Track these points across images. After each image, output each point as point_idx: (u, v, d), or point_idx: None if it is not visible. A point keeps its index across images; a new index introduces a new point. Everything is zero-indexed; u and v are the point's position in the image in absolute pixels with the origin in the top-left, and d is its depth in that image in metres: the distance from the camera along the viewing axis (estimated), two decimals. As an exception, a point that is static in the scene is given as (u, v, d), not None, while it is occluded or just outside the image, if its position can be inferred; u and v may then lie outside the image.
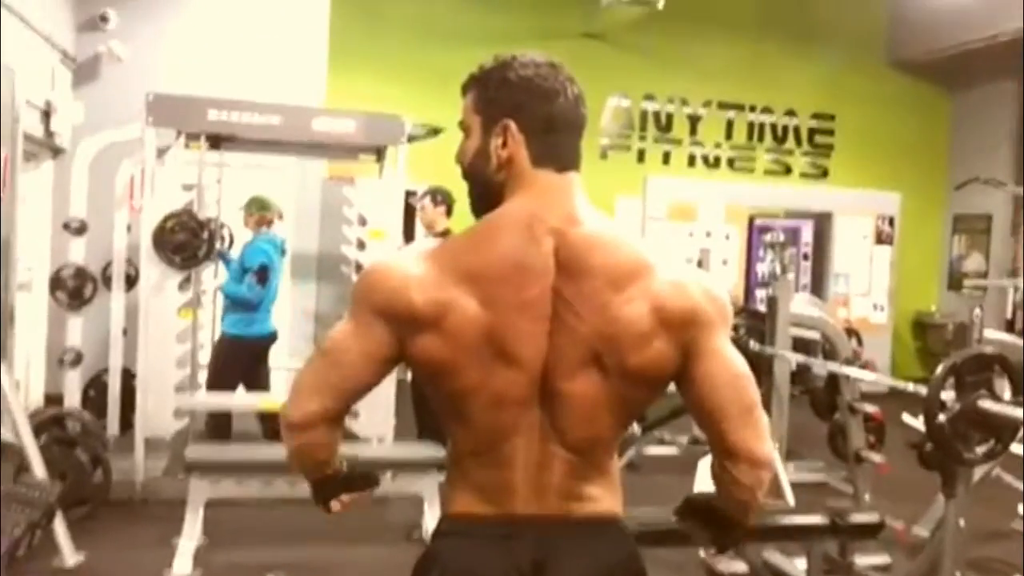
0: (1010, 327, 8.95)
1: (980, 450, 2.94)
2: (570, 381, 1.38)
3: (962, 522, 3.05)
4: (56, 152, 6.83)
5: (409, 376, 5.35)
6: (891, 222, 9.28)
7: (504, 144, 1.42)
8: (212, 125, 4.97)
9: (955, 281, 9.82)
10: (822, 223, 9.28)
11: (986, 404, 2.86)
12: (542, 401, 1.38)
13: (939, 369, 2.88)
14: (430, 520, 4.25)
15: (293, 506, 4.32)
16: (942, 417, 2.85)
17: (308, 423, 1.43)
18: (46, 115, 6.42)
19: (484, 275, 1.36)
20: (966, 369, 2.87)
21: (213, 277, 5.48)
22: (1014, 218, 9.36)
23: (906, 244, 9.42)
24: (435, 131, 5.63)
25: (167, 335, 4.83)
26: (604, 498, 1.45)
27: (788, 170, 9.69)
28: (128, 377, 5.31)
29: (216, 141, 5.14)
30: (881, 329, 9.25)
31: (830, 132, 9.75)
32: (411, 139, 5.26)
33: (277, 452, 4.42)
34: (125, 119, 5.18)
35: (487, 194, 1.46)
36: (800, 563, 3.93)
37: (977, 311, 3.58)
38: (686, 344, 1.39)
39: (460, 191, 5.41)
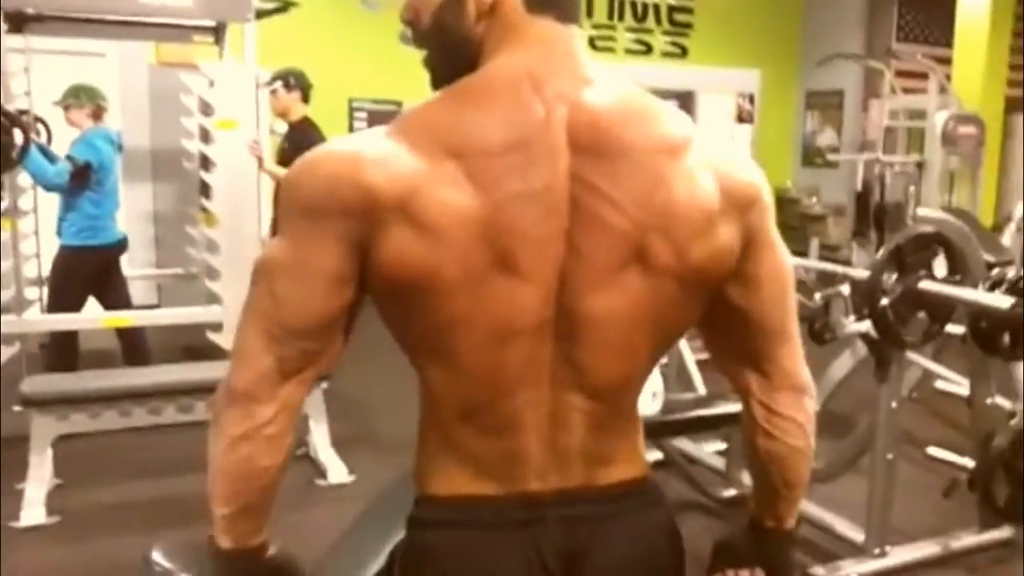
0: (859, 199, 9.25)
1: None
2: (599, 297, 0.99)
3: (895, 404, 2.95)
4: None
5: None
6: (751, 100, 9.25)
7: None
8: (14, 1, 4.15)
9: (809, 156, 10.02)
10: (685, 102, 9.13)
11: (927, 285, 2.72)
12: (558, 330, 1.00)
13: (882, 252, 2.72)
14: (318, 437, 3.88)
15: (155, 434, 3.86)
16: (884, 301, 2.70)
17: (258, 390, 0.98)
18: None
19: (472, 151, 0.96)
20: (907, 251, 2.71)
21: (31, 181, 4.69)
22: (865, 93, 9.53)
23: (762, 121, 9.45)
24: (287, 5, 4.96)
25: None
26: (635, 456, 1.11)
27: (649, 49, 9.45)
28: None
29: (19, 21, 4.34)
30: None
31: (689, 10, 9.53)
32: (259, 15, 4.60)
33: (131, 377, 3.95)
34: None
35: (459, 56, 1.04)
36: (708, 447, 3.88)
37: (911, 189, 3.46)
38: (749, 232, 1.04)
39: (317, 74, 4.76)
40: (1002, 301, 2.57)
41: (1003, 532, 3.27)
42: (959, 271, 2.77)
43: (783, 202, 9.91)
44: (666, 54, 9.50)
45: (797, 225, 9.26)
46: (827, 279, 5.78)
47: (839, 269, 3.41)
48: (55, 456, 3.51)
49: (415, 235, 0.94)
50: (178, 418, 3.69)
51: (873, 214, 7.81)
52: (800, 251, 8.33)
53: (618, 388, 1.06)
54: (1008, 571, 3.18)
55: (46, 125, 5.12)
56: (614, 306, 1.00)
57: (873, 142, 9.20)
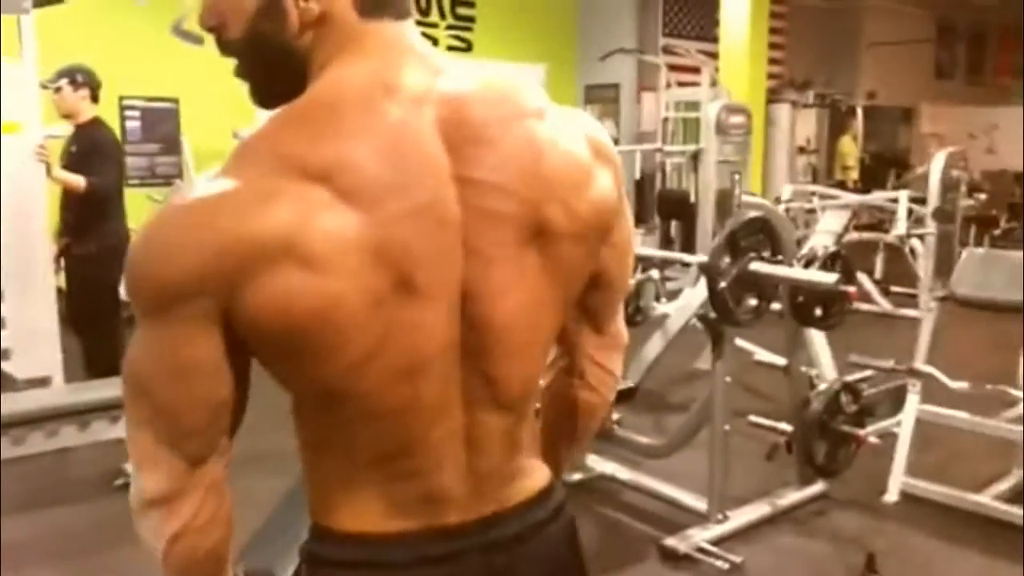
0: (638, 187, 9.80)
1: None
2: (504, 298, 0.93)
3: (728, 379, 3.17)
4: None
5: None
6: (538, 94, 9.52)
7: None
8: None
9: (590, 148, 10.48)
10: (473, 97, 9.27)
11: (757, 266, 2.93)
12: (466, 347, 0.93)
13: (719, 237, 2.89)
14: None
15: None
16: (723, 283, 2.88)
17: (174, 489, 0.91)
18: None
19: (339, 172, 0.85)
20: (740, 235, 2.91)
21: None
22: (638, 86, 10.09)
23: (547, 115, 9.77)
24: (61, -5, 4.53)
25: None
26: (538, 464, 1.08)
27: (435, 43, 9.48)
28: None
29: None
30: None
31: (470, 4, 9.67)
32: (36, 4, 4.17)
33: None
34: None
35: (282, 70, 0.94)
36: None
37: (736, 177, 3.74)
38: (618, 187, 1.03)
39: (106, 70, 4.35)
40: (828, 278, 2.82)
41: (818, 487, 3.60)
42: (780, 252, 3.01)
43: (570, 192, 10.36)
44: (451, 48, 9.58)
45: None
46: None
47: (669, 255, 3.59)
48: None
49: (303, 273, 0.83)
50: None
51: (657, 200, 8.30)
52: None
53: (527, 395, 1.01)
54: (829, 521, 3.50)
55: None
56: (520, 303, 0.94)
57: (649, 133, 9.77)
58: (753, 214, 2.97)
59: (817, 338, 4.39)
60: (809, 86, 10.69)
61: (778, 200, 6.91)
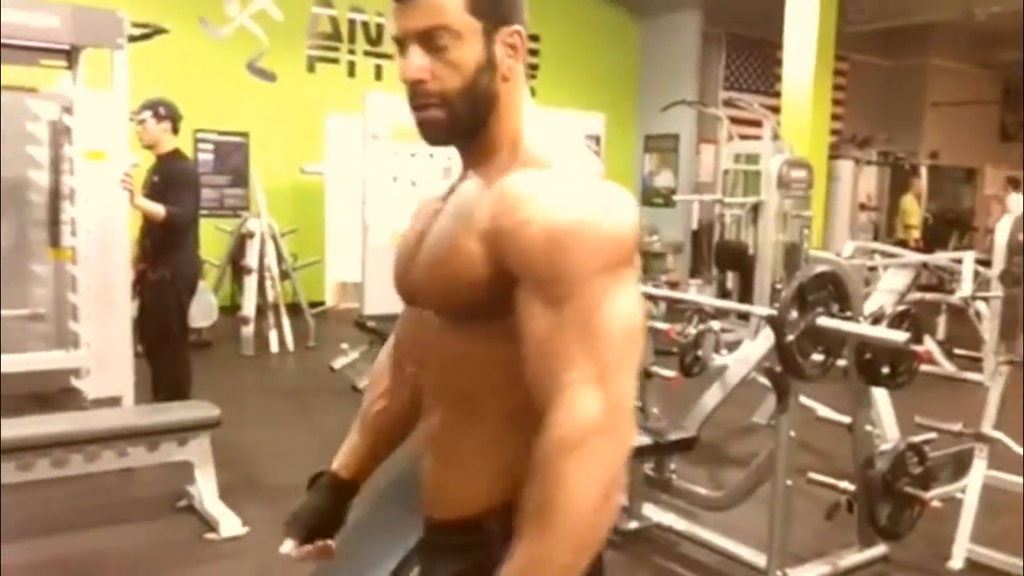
0: (696, 237, 9.81)
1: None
2: None
3: (793, 433, 3.15)
4: None
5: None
6: (598, 142, 9.63)
7: (515, 52, 1.15)
8: None
9: (647, 196, 10.53)
10: (534, 143, 9.41)
11: (825, 321, 2.93)
12: None
13: (786, 291, 2.90)
14: (204, 488, 3.67)
15: (29, 491, 3.54)
16: (790, 336, 2.88)
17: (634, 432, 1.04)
18: None
19: None
20: (808, 289, 2.91)
21: None
22: (697, 138, 10.15)
23: (607, 163, 9.85)
24: (157, 31, 4.73)
25: None
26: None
27: (498, 90, 9.68)
28: None
29: None
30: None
31: (534, 52, 9.85)
32: (129, 40, 4.36)
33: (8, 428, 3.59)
34: None
35: (484, 110, 1.14)
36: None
37: (805, 231, 3.74)
38: None
39: (187, 104, 4.46)
40: (899, 336, 2.81)
41: (880, 549, 3.53)
42: (847, 308, 3.01)
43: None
44: (516, 95, 9.75)
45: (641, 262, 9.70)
46: (676, 313, 6.08)
47: (730, 305, 3.60)
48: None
49: None
50: (51, 473, 3.40)
51: (716, 251, 8.29)
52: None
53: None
54: (887, 584, 3.44)
55: None
56: None
57: (707, 184, 9.80)
58: (822, 268, 2.97)
59: (881, 397, 4.35)
60: (870, 143, 10.65)
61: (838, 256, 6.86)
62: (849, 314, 3.03)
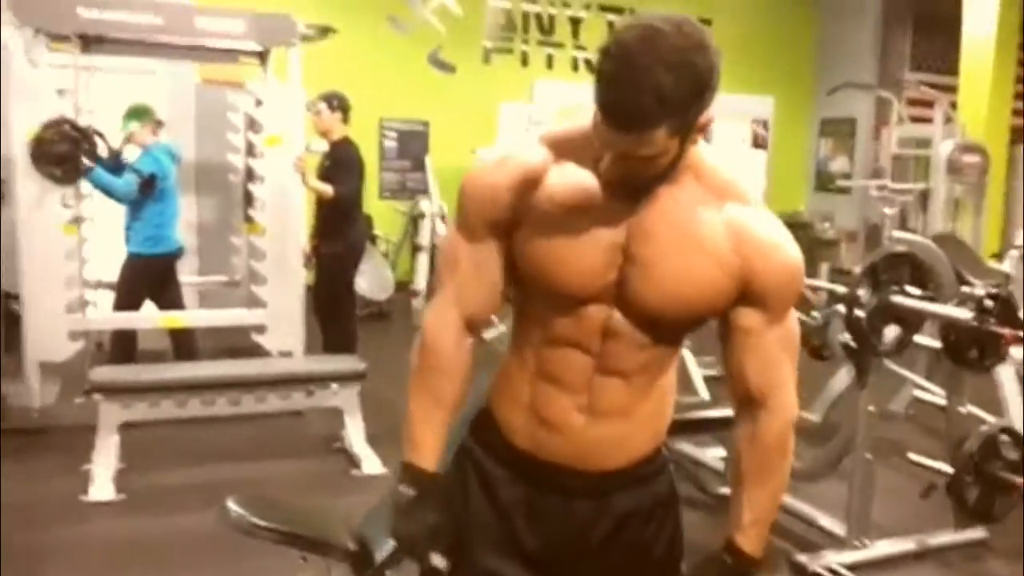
0: (873, 226, 9.53)
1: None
2: None
3: (872, 408, 3.29)
4: None
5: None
6: (765, 126, 9.60)
7: (704, 130, 1.28)
8: (84, 24, 4.58)
9: (822, 182, 10.33)
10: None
11: (898, 299, 3.06)
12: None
13: (858, 269, 3.05)
14: (353, 432, 4.25)
15: (208, 425, 4.26)
16: (860, 312, 3.04)
17: None
18: None
19: None
20: (881, 268, 3.05)
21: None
22: (876, 121, 9.85)
23: (776, 147, 9.81)
24: (326, 31, 5.37)
25: (52, 253, 4.52)
26: None
27: (666, 73, 9.82)
28: (4, 299, 4.97)
29: (87, 42, 4.76)
30: (757, 229, 9.65)
31: (707, 36, 9.91)
32: (302, 39, 5.01)
33: (188, 370, 4.34)
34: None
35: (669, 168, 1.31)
36: (712, 452, 4.18)
37: (887, 210, 3.80)
38: None
39: (349, 95, 5.05)
40: (962, 313, 2.90)
41: (977, 532, 3.57)
42: (928, 287, 3.10)
43: (795, 226, 10.20)
44: (684, 80, 9.85)
45: (809, 249, 9.56)
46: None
47: (827, 285, 3.73)
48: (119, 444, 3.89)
49: None
50: (227, 410, 4.10)
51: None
52: (811, 274, 8.63)
53: None
54: (980, 568, 3.48)
55: (105, 140, 5.54)
56: None
57: (884, 169, 9.51)
58: (898, 249, 3.09)
59: (1009, 385, 4.29)
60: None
61: (1009, 246, 6.59)
62: (931, 294, 3.13)
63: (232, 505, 2.11)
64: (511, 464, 1.43)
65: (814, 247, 9.64)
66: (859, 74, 9.52)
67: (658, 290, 1.31)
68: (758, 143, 9.63)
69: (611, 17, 9.52)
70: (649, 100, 1.15)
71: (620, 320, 1.34)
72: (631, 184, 1.29)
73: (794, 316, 1.39)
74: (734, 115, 9.54)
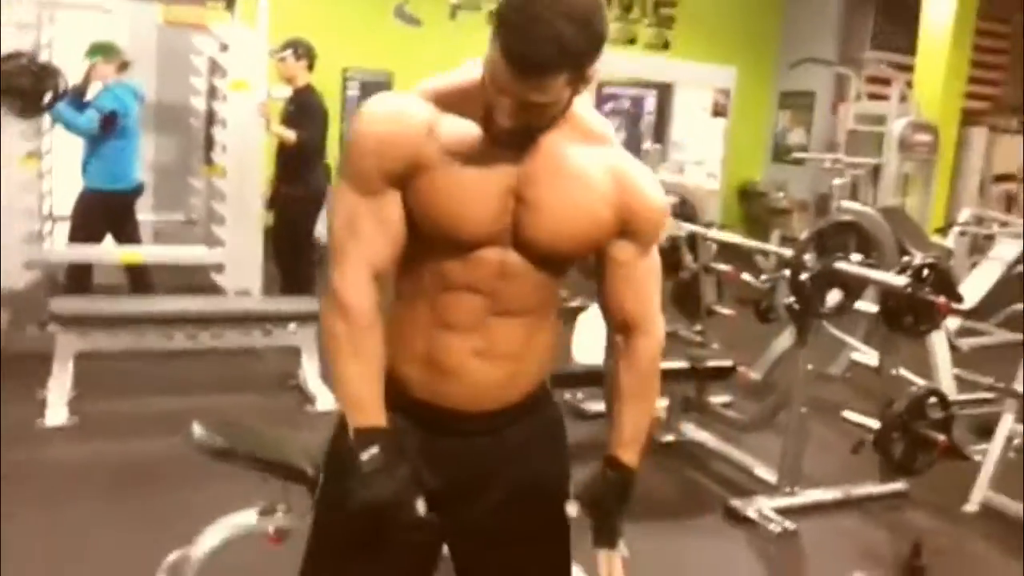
0: (822, 198, 9.76)
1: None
2: None
3: (810, 366, 3.46)
4: None
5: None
6: (727, 95, 9.74)
7: (590, 79, 1.32)
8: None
9: (779, 153, 10.52)
10: (663, 94, 9.62)
11: (841, 265, 3.22)
12: None
13: (804, 234, 3.20)
14: (309, 370, 4.33)
15: (165, 360, 4.32)
16: (804, 276, 3.19)
17: None
18: None
19: None
20: (827, 235, 3.20)
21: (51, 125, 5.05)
22: (835, 97, 10.03)
23: (736, 117, 9.96)
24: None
25: (10, 185, 4.51)
26: None
27: (633, 40, 9.89)
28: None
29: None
30: (713, 196, 9.85)
31: (672, 4, 9.98)
32: (274, -15, 5.00)
33: (147, 304, 4.38)
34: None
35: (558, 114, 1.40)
36: (659, 403, 4.35)
37: (836, 181, 3.96)
38: None
39: (320, 45, 5.09)
40: (898, 280, 3.06)
41: (898, 485, 3.79)
42: (871, 256, 3.27)
43: (752, 195, 10.45)
44: (649, 45, 9.95)
45: (762, 217, 9.80)
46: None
47: (772, 248, 3.89)
48: (73, 371, 3.94)
49: None
50: (184, 344, 4.16)
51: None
52: (763, 241, 8.84)
53: None
54: (899, 517, 3.70)
55: (63, 76, 5.47)
56: None
57: (839, 144, 9.72)
58: (844, 218, 3.24)
59: (940, 352, 4.52)
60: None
61: (952, 223, 6.84)
62: (872, 262, 3.29)
63: (197, 428, 2.19)
64: (408, 413, 1.46)
65: (767, 215, 9.88)
66: (821, 50, 9.67)
67: (550, 228, 1.39)
68: (718, 111, 9.78)
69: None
70: (551, 49, 1.22)
71: (515, 260, 1.41)
72: (523, 132, 1.34)
73: (656, 250, 1.52)
74: (697, 83, 9.68)
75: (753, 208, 10.28)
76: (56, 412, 3.77)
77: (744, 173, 10.50)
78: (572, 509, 1.48)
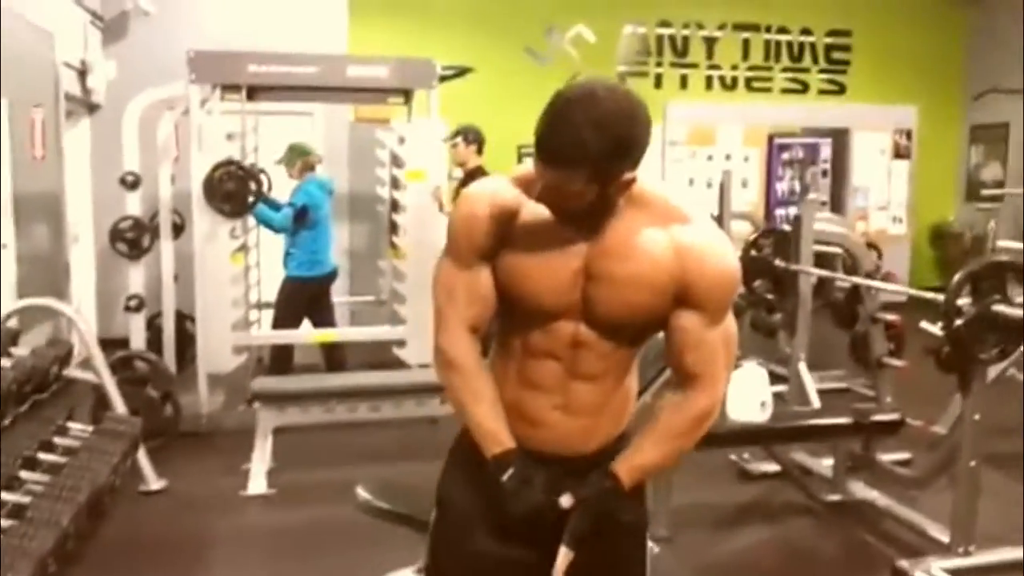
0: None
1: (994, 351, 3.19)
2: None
3: (977, 416, 3.32)
4: (92, 109, 7.07)
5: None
6: (908, 135, 9.38)
7: (628, 187, 1.51)
8: (253, 77, 5.19)
9: (972, 191, 9.93)
10: (840, 139, 9.41)
11: (999, 308, 3.10)
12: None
13: (956, 277, 3.12)
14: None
15: (355, 430, 4.72)
16: (959, 321, 3.10)
17: None
18: (82, 74, 6.66)
19: None
20: (982, 276, 3.10)
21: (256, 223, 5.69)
22: (1034, 126, 9.40)
23: (924, 156, 9.53)
24: (464, 71, 5.79)
25: (221, 278, 5.14)
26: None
27: (805, 88, 9.74)
28: (180, 319, 5.65)
29: (252, 92, 5.36)
30: (900, 241, 9.45)
31: (846, 48, 9.77)
32: (441, 80, 5.45)
33: (334, 380, 4.81)
34: (153, 73, 5.48)
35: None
36: (827, 462, 4.25)
37: (992, 223, 3.80)
38: None
39: (489, 130, 5.53)
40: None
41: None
42: (1033, 298, 3.12)
43: (945, 237, 9.90)
44: (823, 92, 9.77)
45: (958, 260, 9.23)
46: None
47: (928, 295, 3.75)
48: (272, 445, 4.39)
49: None
50: (368, 415, 4.53)
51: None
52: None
53: None
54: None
55: (268, 177, 6.18)
56: None
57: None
58: (997, 257, 3.13)
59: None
60: None
61: None
62: (1033, 305, 3.14)
63: (361, 491, 2.46)
64: None
65: (963, 257, 9.28)
66: (1009, 79, 9.13)
67: (616, 302, 1.55)
68: (900, 153, 9.41)
69: (746, 35, 9.59)
70: (571, 148, 1.41)
71: (586, 331, 1.58)
72: (589, 216, 1.52)
73: (731, 318, 1.59)
74: (875, 125, 9.40)
75: (948, 251, 9.74)
76: (257, 483, 4.23)
77: (935, 215, 9.99)
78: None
